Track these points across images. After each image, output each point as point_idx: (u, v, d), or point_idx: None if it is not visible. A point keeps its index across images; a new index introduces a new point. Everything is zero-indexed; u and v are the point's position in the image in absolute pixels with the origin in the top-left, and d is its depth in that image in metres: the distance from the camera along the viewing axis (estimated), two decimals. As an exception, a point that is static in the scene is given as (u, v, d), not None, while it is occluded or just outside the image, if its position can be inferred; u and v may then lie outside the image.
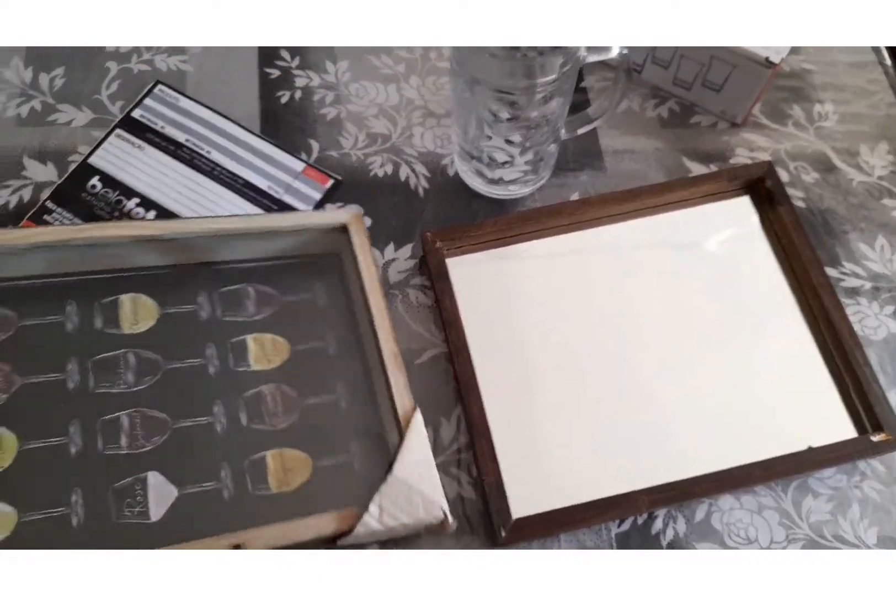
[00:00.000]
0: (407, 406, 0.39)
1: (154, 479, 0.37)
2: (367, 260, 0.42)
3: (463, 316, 0.43)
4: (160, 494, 0.37)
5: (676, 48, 0.49)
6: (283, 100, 0.54)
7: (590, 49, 0.41)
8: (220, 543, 0.34)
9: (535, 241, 0.46)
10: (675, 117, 0.54)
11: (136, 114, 0.53)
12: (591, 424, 0.42)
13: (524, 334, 0.44)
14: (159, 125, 0.52)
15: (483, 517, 0.42)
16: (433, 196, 0.51)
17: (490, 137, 0.45)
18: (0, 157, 0.51)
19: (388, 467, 0.37)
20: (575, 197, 0.51)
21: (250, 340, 0.42)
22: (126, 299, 0.42)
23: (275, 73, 0.55)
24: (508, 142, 0.45)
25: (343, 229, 0.44)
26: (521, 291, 0.45)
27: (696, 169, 0.52)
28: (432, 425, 0.44)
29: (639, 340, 0.45)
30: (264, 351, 0.42)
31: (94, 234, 0.41)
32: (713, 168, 0.52)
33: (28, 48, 0.55)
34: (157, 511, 0.37)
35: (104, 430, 0.38)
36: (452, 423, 0.44)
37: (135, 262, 0.43)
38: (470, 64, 0.40)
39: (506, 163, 0.48)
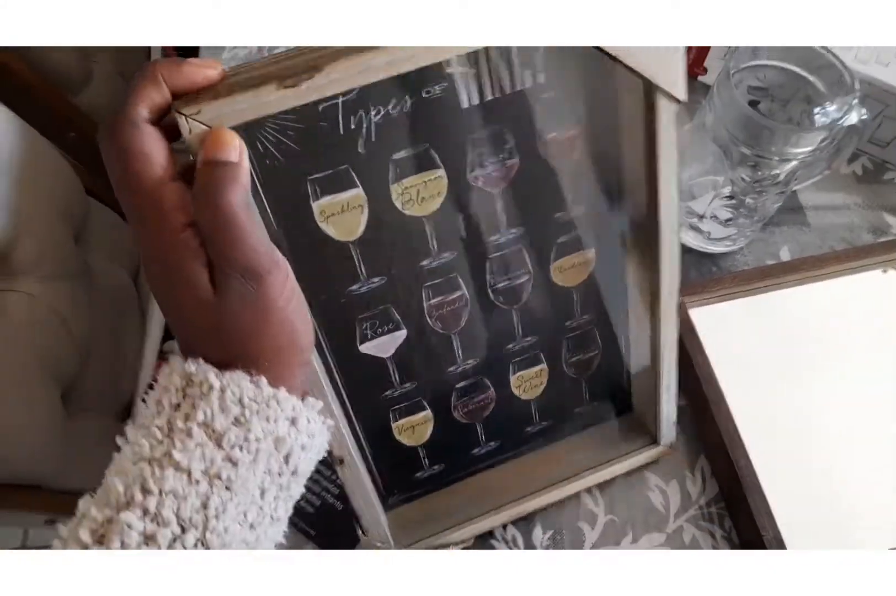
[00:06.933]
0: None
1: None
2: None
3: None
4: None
5: (882, 109, 0.51)
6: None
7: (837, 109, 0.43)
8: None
9: (770, 294, 0.48)
10: (868, 174, 0.56)
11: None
12: (867, 467, 0.43)
13: (779, 382, 0.45)
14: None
15: (744, 572, 0.42)
16: (645, 251, 0.52)
17: (730, 197, 0.47)
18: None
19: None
20: (784, 251, 0.52)
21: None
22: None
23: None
24: (739, 200, 0.47)
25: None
26: (768, 342, 0.46)
27: (897, 224, 0.54)
28: (677, 480, 0.45)
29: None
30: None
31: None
32: (912, 224, 0.54)
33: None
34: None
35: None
36: (698, 476, 0.45)
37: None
38: (748, 131, 0.42)
39: (728, 220, 0.49)
